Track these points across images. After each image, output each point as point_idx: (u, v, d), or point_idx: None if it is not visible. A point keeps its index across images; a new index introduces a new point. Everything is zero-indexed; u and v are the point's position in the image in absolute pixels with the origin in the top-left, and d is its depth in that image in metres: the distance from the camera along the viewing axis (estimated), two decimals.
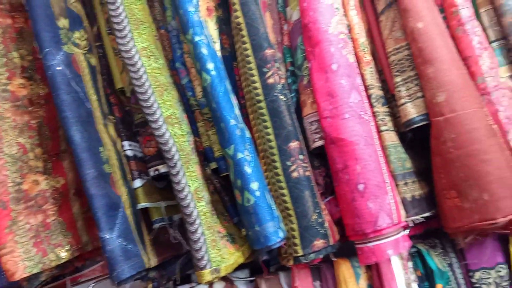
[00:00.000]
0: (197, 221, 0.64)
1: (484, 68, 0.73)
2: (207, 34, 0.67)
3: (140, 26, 0.66)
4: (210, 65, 0.64)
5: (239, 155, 0.63)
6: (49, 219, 0.69)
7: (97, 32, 0.71)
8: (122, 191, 0.67)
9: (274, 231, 0.64)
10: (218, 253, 0.66)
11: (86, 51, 0.68)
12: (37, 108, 0.69)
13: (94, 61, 0.68)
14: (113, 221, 0.61)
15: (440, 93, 0.70)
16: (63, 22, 0.65)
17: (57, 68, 0.60)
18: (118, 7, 0.63)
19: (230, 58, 0.77)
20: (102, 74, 0.71)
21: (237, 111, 0.66)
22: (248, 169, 0.63)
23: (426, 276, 0.85)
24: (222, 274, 0.65)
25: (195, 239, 0.64)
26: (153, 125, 0.62)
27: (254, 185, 0.64)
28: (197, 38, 0.63)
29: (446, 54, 0.70)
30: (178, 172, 0.64)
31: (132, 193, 0.70)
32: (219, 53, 0.73)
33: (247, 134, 0.67)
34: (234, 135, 0.64)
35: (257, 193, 0.64)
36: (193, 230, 0.64)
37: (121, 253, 0.60)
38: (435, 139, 0.71)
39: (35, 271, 0.63)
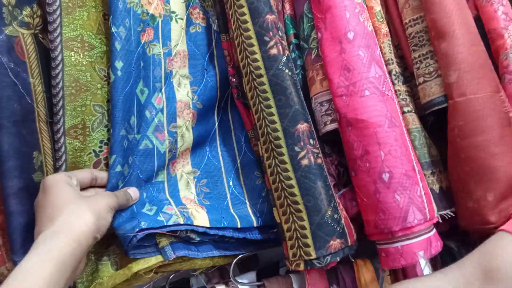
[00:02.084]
0: None
1: (510, 43, 0.60)
2: (131, 24, 0.55)
3: (75, 10, 0.53)
4: (118, 64, 0.53)
5: (118, 168, 0.54)
6: None
7: None
8: None
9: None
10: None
11: (38, 31, 0.54)
12: None
13: (48, 42, 0.54)
14: (30, 241, 0.49)
15: (451, 72, 0.55)
16: None
17: None
18: None
19: (206, 32, 0.66)
20: None
21: (133, 120, 0.56)
22: (120, 185, 0.55)
23: None
24: None
25: None
26: (55, 136, 0.53)
27: None
28: (113, 29, 0.53)
29: (461, 28, 0.56)
30: None
31: None
32: (180, 30, 0.62)
33: (142, 145, 0.57)
34: (119, 146, 0.54)
35: None
36: None
37: None
38: (448, 124, 0.57)
39: None
